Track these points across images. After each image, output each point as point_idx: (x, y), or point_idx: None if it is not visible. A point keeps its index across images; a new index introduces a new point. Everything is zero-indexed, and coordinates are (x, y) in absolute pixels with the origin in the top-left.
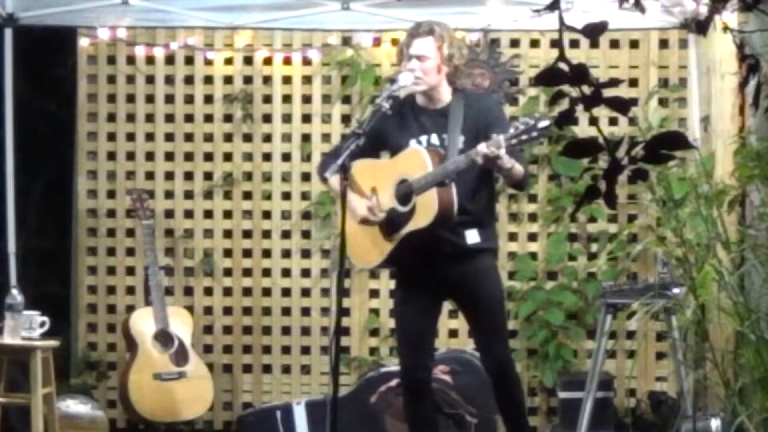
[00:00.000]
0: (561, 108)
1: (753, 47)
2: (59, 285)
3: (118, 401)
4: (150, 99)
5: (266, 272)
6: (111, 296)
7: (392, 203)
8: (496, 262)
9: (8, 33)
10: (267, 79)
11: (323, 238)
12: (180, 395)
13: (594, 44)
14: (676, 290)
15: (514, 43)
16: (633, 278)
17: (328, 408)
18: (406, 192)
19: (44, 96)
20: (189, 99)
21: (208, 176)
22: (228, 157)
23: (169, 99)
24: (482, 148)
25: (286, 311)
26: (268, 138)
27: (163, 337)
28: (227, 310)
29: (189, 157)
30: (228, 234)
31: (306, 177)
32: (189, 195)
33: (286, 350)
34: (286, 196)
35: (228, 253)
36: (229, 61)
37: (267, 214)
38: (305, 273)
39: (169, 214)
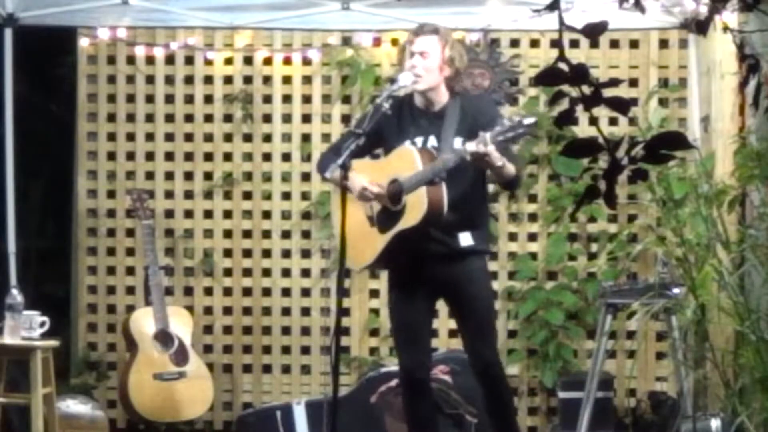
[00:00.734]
0: (561, 108)
1: (753, 47)
2: (59, 285)
3: (118, 401)
4: (150, 99)
5: (266, 272)
6: (111, 296)
7: (385, 202)
8: (487, 264)
9: (8, 33)
10: (267, 79)
11: (323, 238)
12: (180, 395)
13: (594, 44)
14: (676, 290)
15: (514, 43)
16: (633, 278)
17: (325, 408)
18: (396, 191)
19: (44, 96)
20: (189, 99)
21: (208, 176)
22: (228, 157)
23: (169, 99)
24: (470, 145)
25: (286, 311)
26: (268, 138)
27: (163, 337)
28: (227, 310)
29: (189, 157)
30: (228, 234)
31: (306, 177)
32: (189, 195)
33: (286, 350)
34: (286, 196)
35: (228, 253)
36: (229, 61)
37: (267, 214)
38: (305, 273)
39: (169, 214)
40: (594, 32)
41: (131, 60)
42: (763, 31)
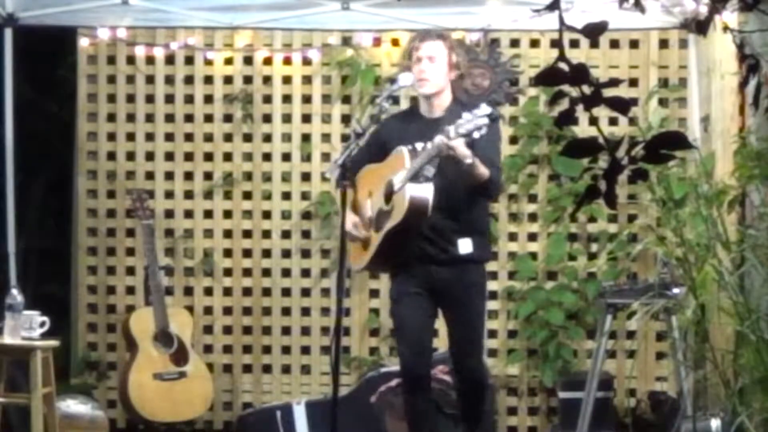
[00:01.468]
0: (561, 108)
1: (753, 47)
2: (59, 285)
3: (118, 401)
4: (150, 99)
5: (266, 272)
6: (111, 296)
7: (381, 203)
8: (485, 270)
9: (8, 33)
10: (267, 79)
11: (323, 238)
12: (180, 395)
13: (594, 44)
14: (676, 290)
15: (514, 43)
16: (633, 278)
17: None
18: (388, 191)
19: (44, 96)
20: (189, 99)
21: (208, 176)
22: (228, 157)
23: (169, 99)
24: (436, 138)
25: (286, 311)
26: (268, 138)
27: (163, 337)
28: (227, 310)
29: (189, 157)
30: (228, 234)
31: (306, 177)
32: (189, 195)
33: (286, 350)
34: (286, 196)
35: (228, 253)
36: (229, 61)
37: (267, 214)
38: (305, 273)
39: (169, 214)
40: (594, 32)
41: (131, 60)
42: (763, 31)
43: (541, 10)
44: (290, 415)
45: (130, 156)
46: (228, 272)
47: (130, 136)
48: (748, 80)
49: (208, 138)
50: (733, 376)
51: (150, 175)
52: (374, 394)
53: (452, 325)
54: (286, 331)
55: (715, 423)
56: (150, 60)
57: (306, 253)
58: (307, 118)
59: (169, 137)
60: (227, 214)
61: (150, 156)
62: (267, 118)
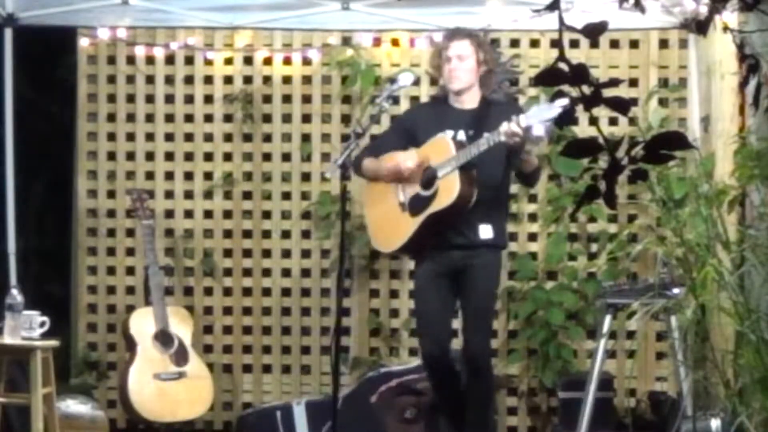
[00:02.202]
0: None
1: (753, 47)
2: (59, 285)
3: (118, 401)
4: (150, 99)
5: (266, 272)
6: (111, 296)
7: (416, 190)
8: (501, 260)
9: (8, 33)
10: (267, 79)
11: (323, 238)
12: (180, 395)
13: (594, 44)
14: (676, 290)
15: (514, 43)
16: (633, 278)
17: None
18: (429, 177)
19: (44, 96)
20: (189, 99)
21: (208, 176)
22: (228, 157)
23: (169, 99)
24: (504, 125)
25: (286, 311)
26: (268, 138)
27: (163, 337)
28: (227, 310)
29: (189, 157)
30: (228, 234)
31: (306, 177)
32: (189, 195)
33: (286, 350)
34: (286, 196)
35: (228, 253)
36: (229, 61)
37: (267, 214)
38: (305, 273)
39: (169, 214)
40: (594, 32)
41: (131, 60)
42: (763, 31)
43: (541, 10)
44: (290, 415)
45: (130, 156)
46: (228, 272)
47: (130, 136)
48: (748, 80)
49: (208, 138)
50: (733, 376)
51: (150, 175)
52: (374, 394)
53: (463, 304)
54: (286, 331)
55: (715, 423)
56: (150, 60)
57: (306, 253)
58: (307, 118)
59: (169, 137)
60: (227, 214)
61: (150, 156)
62: (267, 118)
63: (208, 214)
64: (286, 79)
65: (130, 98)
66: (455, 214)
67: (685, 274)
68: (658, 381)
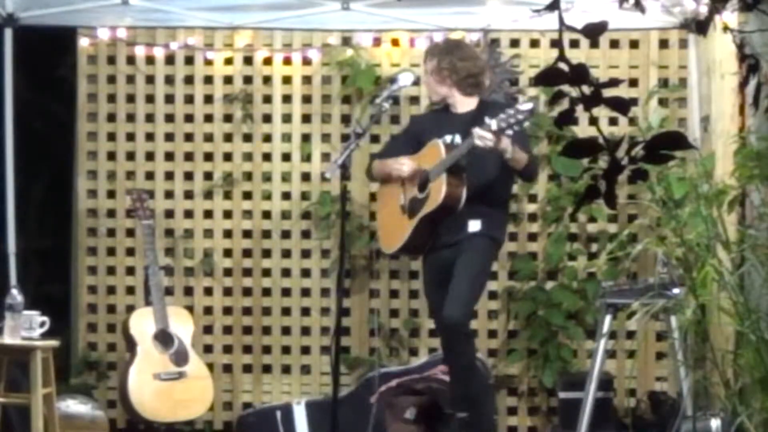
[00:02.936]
0: (561, 108)
1: (753, 47)
2: (59, 285)
3: (118, 401)
4: (150, 99)
5: (266, 272)
6: (111, 296)
7: (414, 192)
8: (493, 250)
9: (8, 33)
10: (267, 79)
11: (323, 238)
12: (180, 395)
13: (594, 44)
14: (676, 290)
15: (514, 43)
16: (633, 278)
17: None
18: (424, 180)
19: (44, 96)
20: (189, 99)
21: (208, 176)
22: (228, 157)
23: (169, 99)
24: (475, 130)
25: (286, 311)
26: (268, 138)
27: (163, 337)
28: (227, 310)
29: (189, 157)
30: (228, 234)
31: (306, 177)
32: (189, 195)
33: (286, 350)
34: (286, 196)
35: (228, 253)
36: (229, 61)
37: (267, 214)
38: (305, 273)
39: (169, 214)
40: (594, 32)
41: (131, 60)
42: (763, 31)
43: (541, 10)
44: (290, 415)
45: (130, 156)
46: (228, 272)
47: (130, 136)
48: (748, 80)
49: (208, 138)
50: (733, 376)
51: (150, 175)
52: (374, 394)
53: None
54: (286, 331)
55: (715, 423)
56: (150, 60)
57: (306, 253)
58: (307, 118)
59: (169, 137)
60: (227, 214)
61: (150, 156)
62: (267, 118)
63: (207, 214)
64: (286, 79)
65: (130, 98)
66: (445, 214)
67: (685, 274)
68: (658, 381)
